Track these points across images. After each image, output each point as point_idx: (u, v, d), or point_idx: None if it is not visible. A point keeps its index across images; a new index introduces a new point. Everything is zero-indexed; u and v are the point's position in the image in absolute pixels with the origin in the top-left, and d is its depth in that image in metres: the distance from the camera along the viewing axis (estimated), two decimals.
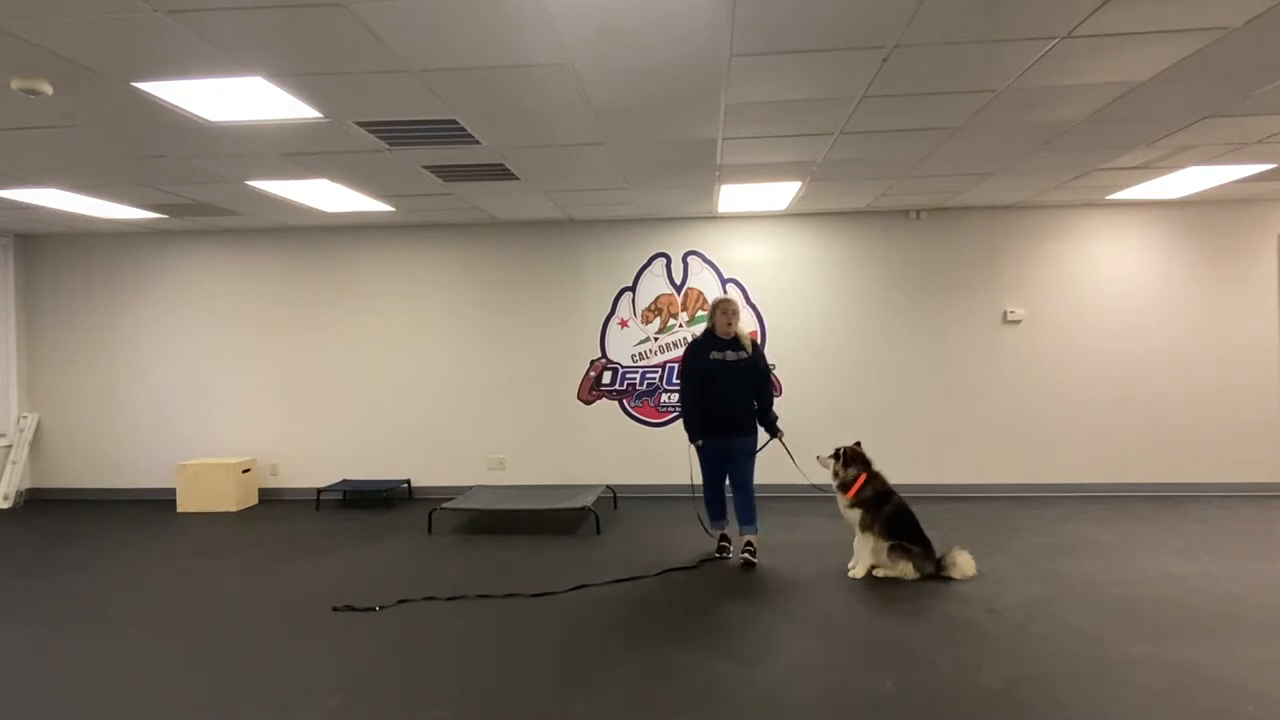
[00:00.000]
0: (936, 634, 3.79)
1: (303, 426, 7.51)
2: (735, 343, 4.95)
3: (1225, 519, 5.97)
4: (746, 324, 6.96)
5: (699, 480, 5.18)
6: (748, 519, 5.00)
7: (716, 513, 5.19)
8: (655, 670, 3.45)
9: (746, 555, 4.97)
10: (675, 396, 7.25)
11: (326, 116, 3.98)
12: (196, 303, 7.58)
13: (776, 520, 5.81)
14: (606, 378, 7.35)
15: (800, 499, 5.81)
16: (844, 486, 4.75)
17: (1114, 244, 6.97)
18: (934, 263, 7.09)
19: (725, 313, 4.95)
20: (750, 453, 4.97)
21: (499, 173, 5.26)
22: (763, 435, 5.06)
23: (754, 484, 4.99)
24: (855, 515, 4.70)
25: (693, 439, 5.04)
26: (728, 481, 5.07)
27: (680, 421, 7.09)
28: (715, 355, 4.93)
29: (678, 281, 7.30)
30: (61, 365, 7.68)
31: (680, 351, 7.22)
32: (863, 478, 4.72)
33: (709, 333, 5.04)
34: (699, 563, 5.02)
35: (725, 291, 7.22)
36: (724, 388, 4.90)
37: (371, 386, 7.48)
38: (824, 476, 4.93)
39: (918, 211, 7.06)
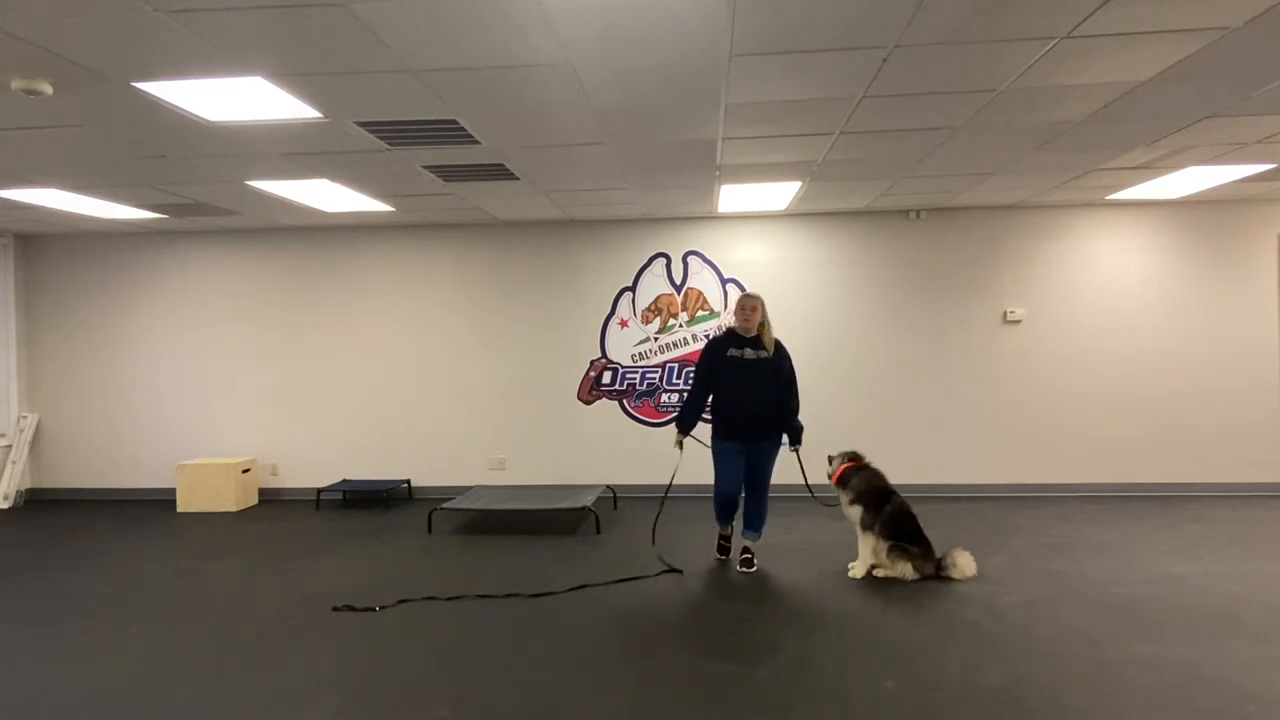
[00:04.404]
0: (936, 634, 3.79)
1: (303, 426, 7.51)
2: (756, 341, 4.78)
3: (1225, 519, 5.97)
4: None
5: (680, 480, 5.10)
6: (755, 525, 4.93)
7: (726, 517, 5.02)
8: (655, 670, 3.45)
9: (743, 566, 4.90)
10: (675, 397, 7.26)
11: (326, 116, 3.98)
12: (196, 303, 7.58)
13: (775, 520, 5.79)
14: (606, 378, 7.35)
15: (799, 499, 5.81)
16: (839, 479, 4.79)
17: (1114, 244, 6.97)
18: (934, 263, 7.09)
19: (743, 308, 4.79)
20: (772, 458, 4.83)
21: (499, 173, 5.26)
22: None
23: (769, 492, 4.89)
24: (856, 513, 4.70)
25: (678, 430, 4.92)
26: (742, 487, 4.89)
27: None
28: (733, 352, 4.76)
29: (678, 281, 7.30)
30: (61, 365, 7.68)
31: (680, 351, 7.26)
32: (845, 465, 4.76)
33: (731, 330, 4.90)
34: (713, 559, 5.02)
35: (725, 291, 7.23)
36: (740, 389, 4.73)
37: (371, 386, 7.48)
38: (830, 486, 4.95)
39: (918, 211, 7.06)
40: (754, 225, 7.24)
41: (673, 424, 7.07)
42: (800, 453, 4.89)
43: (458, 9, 2.82)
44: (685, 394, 5.37)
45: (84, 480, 7.68)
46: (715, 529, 5.16)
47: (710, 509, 5.06)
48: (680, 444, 4.93)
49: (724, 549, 5.13)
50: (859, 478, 4.75)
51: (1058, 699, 3.10)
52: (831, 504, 4.92)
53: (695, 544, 5.36)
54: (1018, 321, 7.03)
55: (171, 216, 6.66)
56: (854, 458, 4.85)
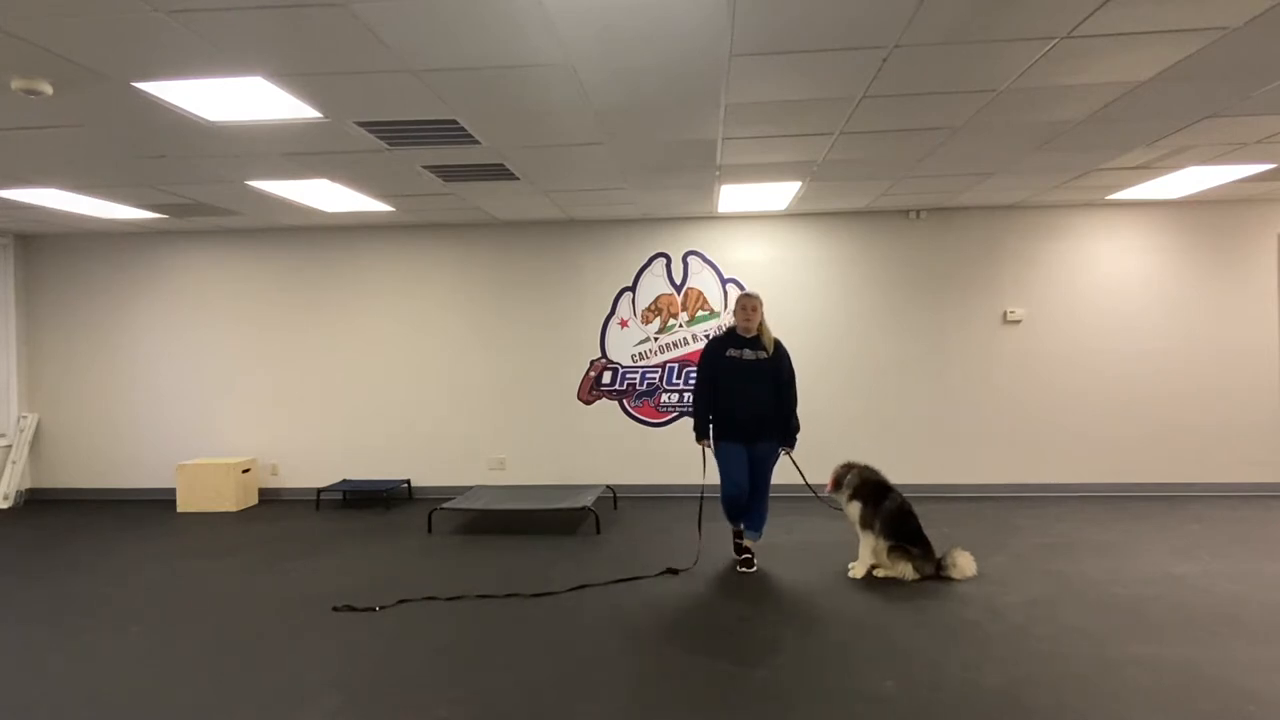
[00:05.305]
0: (937, 634, 3.79)
1: (303, 426, 7.51)
2: (755, 341, 4.79)
3: (1225, 519, 5.97)
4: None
5: (679, 480, 5.04)
6: (755, 525, 4.93)
7: (737, 516, 4.95)
8: (655, 670, 3.45)
9: (743, 566, 4.88)
10: (675, 397, 7.27)
11: (326, 116, 3.99)
12: (196, 303, 7.58)
13: (775, 520, 5.79)
14: (606, 378, 7.35)
15: (799, 499, 5.81)
16: (834, 485, 4.83)
17: (1114, 244, 6.97)
18: (934, 263, 7.09)
19: (743, 309, 4.80)
20: (773, 458, 4.84)
21: (499, 173, 5.26)
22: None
23: (770, 492, 4.90)
24: (855, 510, 4.70)
25: (697, 438, 4.90)
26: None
27: (680, 422, 7.20)
28: (732, 352, 4.77)
29: (678, 281, 7.30)
30: (61, 365, 7.68)
31: (680, 352, 7.26)
32: (836, 471, 4.83)
33: (731, 329, 4.90)
34: (695, 562, 5.02)
35: (725, 291, 7.23)
36: (740, 389, 4.73)
37: (371, 386, 7.48)
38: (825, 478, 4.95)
39: (918, 211, 7.06)
40: (754, 225, 7.24)
41: (672, 425, 7.24)
42: (794, 455, 4.89)
43: (458, 9, 2.82)
44: (691, 398, 5.32)
45: (84, 480, 7.68)
46: (728, 529, 5.10)
47: (713, 509, 5.04)
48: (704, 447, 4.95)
49: (740, 547, 5.02)
50: (852, 474, 4.78)
51: (1058, 699, 3.10)
52: (836, 506, 4.93)
53: (695, 544, 5.35)
54: (1018, 321, 7.03)
55: (171, 216, 6.66)
56: (846, 464, 4.87)
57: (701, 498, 5.34)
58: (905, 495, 4.74)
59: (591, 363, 7.37)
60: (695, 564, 4.96)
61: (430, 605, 4.34)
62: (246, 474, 7.25)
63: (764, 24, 2.99)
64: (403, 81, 3.52)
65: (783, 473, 4.93)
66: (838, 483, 4.80)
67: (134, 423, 7.63)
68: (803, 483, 4.93)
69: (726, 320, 7.03)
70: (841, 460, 4.93)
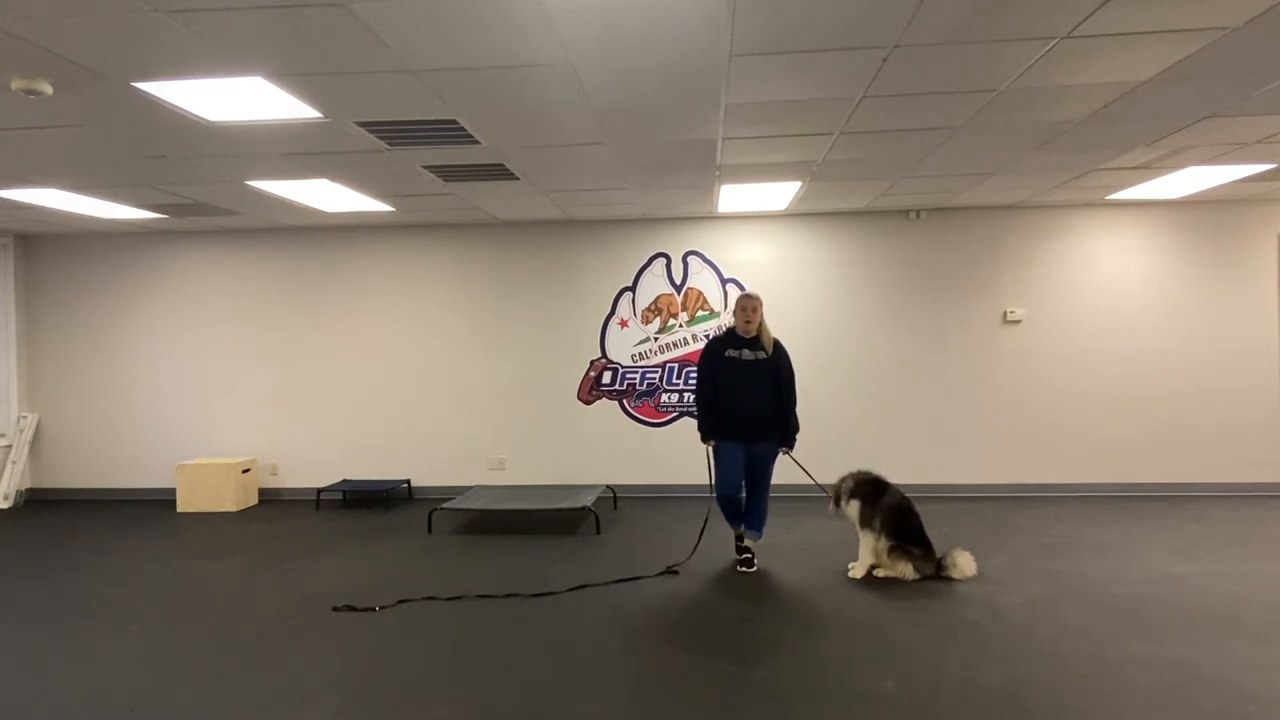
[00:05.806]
0: (937, 634, 3.79)
1: (303, 426, 7.51)
2: (755, 342, 4.80)
3: (1225, 519, 5.97)
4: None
5: (681, 480, 5.02)
6: (755, 525, 4.94)
7: (735, 516, 4.96)
8: (655, 670, 3.45)
9: (743, 566, 4.88)
10: (675, 397, 7.27)
11: (326, 116, 3.99)
12: (196, 303, 7.58)
13: (775, 520, 5.79)
14: (606, 378, 7.35)
15: (799, 499, 5.81)
16: (835, 500, 4.84)
17: (1114, 244, 6.97)
18: (934, 263, 7.09)
19: (743, 309, 4.81)
20: (773, 457, 4.85)
21: (499, 173, 5.26)
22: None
23: (770, 492, 4.91)
24: (855, 508, 4.69)
25: (703, 438, 4.91)
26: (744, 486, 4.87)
27: (680, 422, 7.20)
28: (731, 353, 4.79)
29: (678, 281, 7.30)
30: (61, 365, 7.68)
31: (680, 352, 7.26)
32: (834, 486, 4.83)
33: (731, 330, 4.91)
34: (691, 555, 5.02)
35: (725, 291, 7.23)
36: (739, 389, 4.75)
37: (371, 386, 7.48)
38: (832, 477, 4.94)
39: (918, 211, 7.06)
40: (754, 225, 7.24)
41: (672, 425, 7.24)
42: (794, 455, 4.89)
43: (458, 9, 2.82)
44: (694, 400, 5.33)
45: (84, 480, 7.68)
46: (729, 531, 5.09)
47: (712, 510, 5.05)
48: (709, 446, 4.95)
49: (740, 547, 5.02)
50: (848, 480, 4.79)
51: (1058, 699, 3.10)
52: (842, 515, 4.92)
53: (694, 543, 5.35)
54: (1018, 321, 7.02)
55: (171, 216, 6.66)
56: (840, 478, 4.87)
57: (711, 499, 5.31)
58: (906, 495, 4.73)
59: (591, 363, 7.37)
60: (690, 557, 4.96)
61: (430, 605, 4.34)
62: (246, 474, 7.25)
63: (764, 24, 2.99)
64: (403, 81, 3.52)
65: (783, 473, 4.93)
66: (837, 495, 4.79)
67: (134, 423, 7.63)
68: (805, 482, 4.93)
69: (726, 320, 7.04)
70: (839, 470, 4.92)
